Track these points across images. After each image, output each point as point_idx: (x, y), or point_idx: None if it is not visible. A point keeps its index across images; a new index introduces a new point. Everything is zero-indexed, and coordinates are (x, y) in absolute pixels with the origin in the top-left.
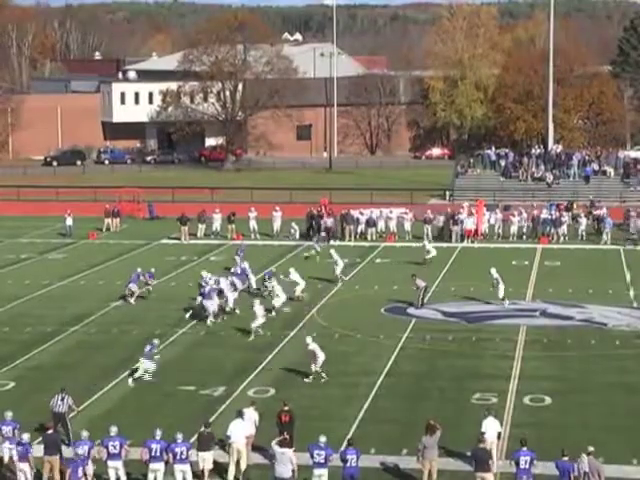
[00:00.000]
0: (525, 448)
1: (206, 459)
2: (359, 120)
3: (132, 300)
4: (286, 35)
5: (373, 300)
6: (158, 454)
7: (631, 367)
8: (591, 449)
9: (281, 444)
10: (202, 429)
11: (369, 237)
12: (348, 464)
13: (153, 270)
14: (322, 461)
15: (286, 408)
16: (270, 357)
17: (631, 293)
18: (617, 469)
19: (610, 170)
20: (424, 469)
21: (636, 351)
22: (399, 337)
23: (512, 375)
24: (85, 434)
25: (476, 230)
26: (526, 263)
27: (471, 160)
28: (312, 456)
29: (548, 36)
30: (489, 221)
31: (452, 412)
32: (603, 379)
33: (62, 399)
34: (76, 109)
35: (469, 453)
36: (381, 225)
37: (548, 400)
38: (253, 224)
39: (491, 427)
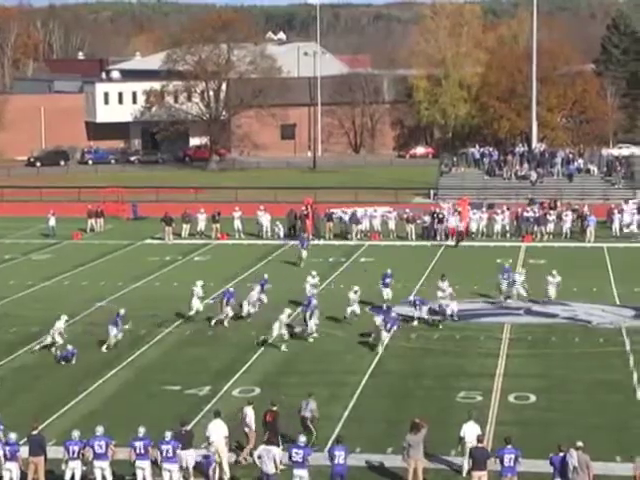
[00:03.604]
0: (510, 446)
1: (187, 458)
2: (343, 119)
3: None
4: (270, 34)
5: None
6: (142, 451)
7: (615, 364)
8: (580, 444)
9: (267, 442)
10: (180, 428)
11: (353, 236)
12: (336, 461)
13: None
14: (300, 460)
15: (274, 408)
16: (255, 357)
17: (615, 291)
18: (602, 466)
19: (593, 168)
20: (409, 467)
21: (620, 349)
22: (384, 336)
23: (497, 373)
24: (76, 434)
25: (464, 229)
26: (510, 261)
27: (455, 159)
28: (290, 456)
29: (531, 35)
30: (474, 220)
31: (437, 411)
32: (587, 377)
33: None
34: (59, 109)
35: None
36: (365, 224)
37: (533, 398)
38: (238, 224)
39: (470, 431)
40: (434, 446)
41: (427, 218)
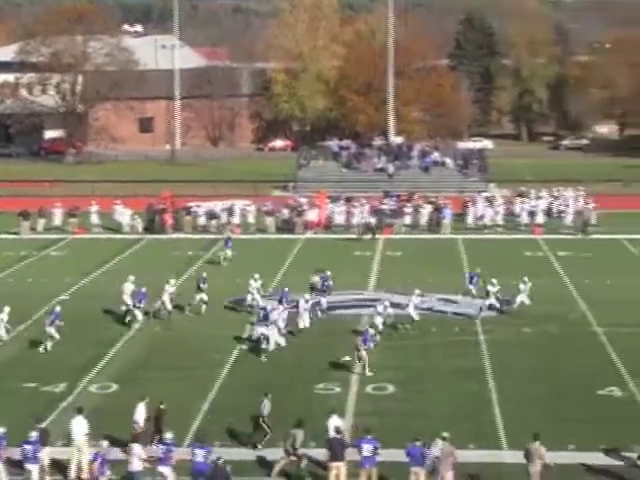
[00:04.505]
0: (369, 436)
1: (43, 456)
2: (202, 112)
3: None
4: (126, 27)
5: (214, 294)
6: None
7: (470, 353)
8: (446, 434)
9: (132, 440)
10: (35, 426)
11: (212, 230)
12: (197, 459)
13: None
14: (162, 456)
15: (161, 406)
16: (113, 353)
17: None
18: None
19: (449, 161)
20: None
21: (474, 338)
22: (243, 330)
23: (355, 365)
24: None
25: (319, 221)
26: (368, 253)
27: (313, 152)
28: (157, 453)
29: (388, 30)
30: (332, 212)
31: (297, 403)
32: (444, 366)
33: None
34: None
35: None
36: (224, 217)
37: (391, 388)
38: (95, 218)
39: (333, 424)
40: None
41: (286, 211)
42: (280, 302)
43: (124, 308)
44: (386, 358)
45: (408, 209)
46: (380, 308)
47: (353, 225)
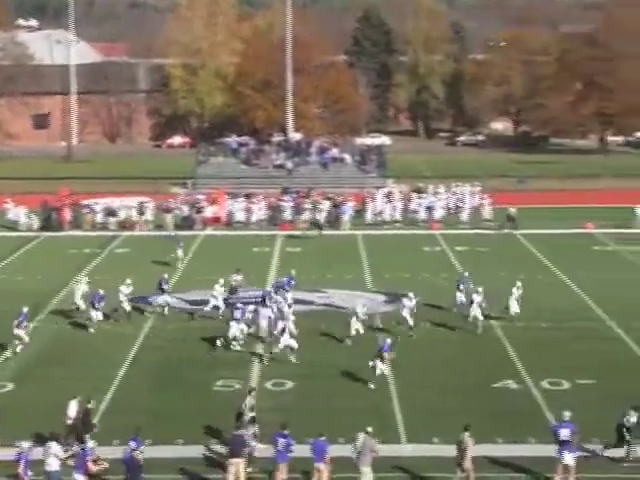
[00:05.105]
0: (285, 431)
1: None
2: (99, 108)
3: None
4: (20, 21)
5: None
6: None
7: (369, 349)
8: (369, 429)
9: (50, 438)
10: None
11: (109, 227)
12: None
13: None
14: (77, 462)
15: (88, 405)
16: (8, 353)
17: (367, 277)
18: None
19: (348, 157)
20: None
21: (372, 333)
22: (143, 327)
23: (255, 361)
24: None
25: (218, 217)
26: (267, 250)
27: (212, 148)
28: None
29: (286, 26)
30: (232, 209)
31: (197, 400)
32: (342, 362)
33: None
34: None
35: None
36: (122, 214)
37: (290, 384)
38: None
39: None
40: (199, 434)
41: (185, 208)
42: (264, 301)
43: (75, 308)
44: (285, 353)
45: (306, 205)
46: (359, 308)
47: (252, 222)
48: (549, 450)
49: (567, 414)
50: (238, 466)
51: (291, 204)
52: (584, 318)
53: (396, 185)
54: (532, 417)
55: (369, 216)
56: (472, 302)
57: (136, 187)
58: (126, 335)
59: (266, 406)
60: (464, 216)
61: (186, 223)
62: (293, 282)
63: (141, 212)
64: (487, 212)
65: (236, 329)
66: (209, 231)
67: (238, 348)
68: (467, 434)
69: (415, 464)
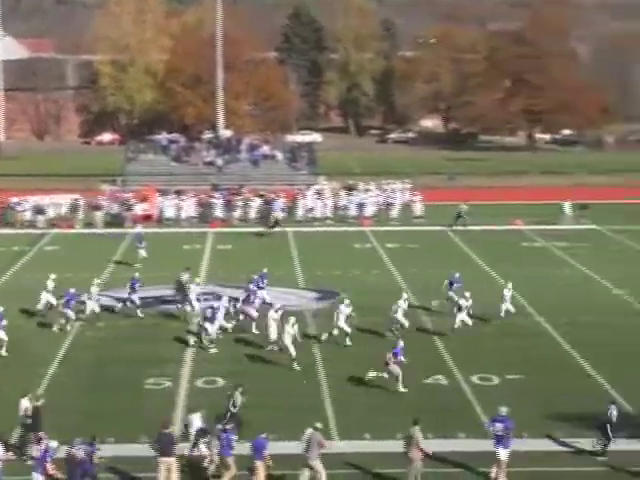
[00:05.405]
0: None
1: None
2: (26, 105)
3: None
4: None
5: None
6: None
7: (300, 347)
8: (318, 425)
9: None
10: None
11: (38, 225)
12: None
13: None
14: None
15: (36, 403)
16: None
17: (299, 274)
18: (286, 445)
19: (278, 154)
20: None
21: (307, 331)
22: (74, 325)
23: (185, 359)
24: None
25: (149, 215)
26: (198, 247)
27: (142, 145)
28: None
29: (216, 22)
30: (162, 206)
31: (128, 398)
32: (276, 359)
33: None
34: None
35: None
36: (51, 212)
37: (221, 382)
38: None
39: (195, 421)
40: (131, 432)
41: (115, 205)
42: (248, 297)
43: (40, 307)
44: (221, 351)
45: (237, 202)
46: (343, 306)
47: (183, 219)
48: (479, 445)
49: (504, 409)
50: (170, 465)
51: (222, 201)
52: (513, 314)
53: (327, 182)
54: (462, 412)
55: (300, 213)
56: (460, 308)
57: (65, 184)
58: (56, 333)
59: (199, 404)
60: (394, 213)
61: (116, 221)
62: (266, 280)
63: (74, 210)
64: (418, 209)
65: (212, 330)
66: (140, 229)
67: (214, 350)
68: (417, 428)
69: (351, 460)
